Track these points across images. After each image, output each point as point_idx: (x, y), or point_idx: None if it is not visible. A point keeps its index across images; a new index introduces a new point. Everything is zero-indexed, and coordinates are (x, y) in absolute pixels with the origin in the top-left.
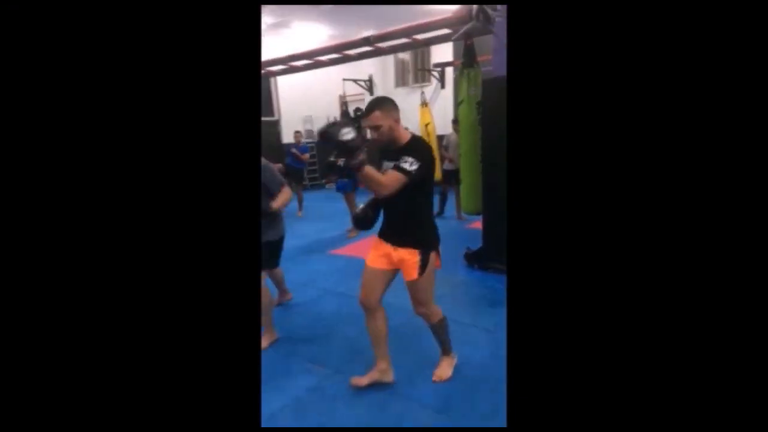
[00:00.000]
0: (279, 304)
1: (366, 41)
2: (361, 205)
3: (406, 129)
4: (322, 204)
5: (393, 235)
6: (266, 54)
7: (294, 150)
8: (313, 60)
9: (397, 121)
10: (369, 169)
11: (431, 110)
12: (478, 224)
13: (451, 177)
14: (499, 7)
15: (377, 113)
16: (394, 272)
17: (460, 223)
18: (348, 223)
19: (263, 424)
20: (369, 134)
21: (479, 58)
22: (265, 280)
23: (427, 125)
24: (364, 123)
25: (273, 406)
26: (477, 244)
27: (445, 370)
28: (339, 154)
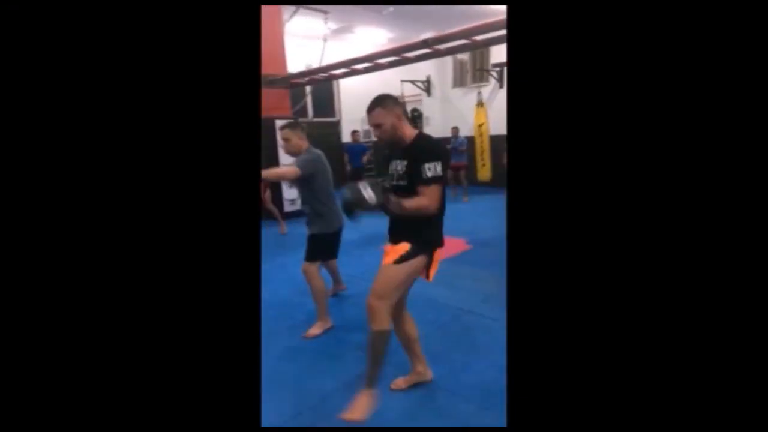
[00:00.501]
0: (333, 295)
1: (424, 44)
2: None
3: (414, 128)
4: None
5: (395, 233)
6: (329, 58)
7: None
8: (372, 63)
9: (400, 117)
10: (406, 204)
11: (488, 110)
12: None
13: None
14: None
15: (379, 110)
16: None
17: None
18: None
19: (315, 405)
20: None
21: None
22: (321, 271)
23: (480, 125)
24: (368, 121)
25: (325, 389)
26: None
27: (357, 408)
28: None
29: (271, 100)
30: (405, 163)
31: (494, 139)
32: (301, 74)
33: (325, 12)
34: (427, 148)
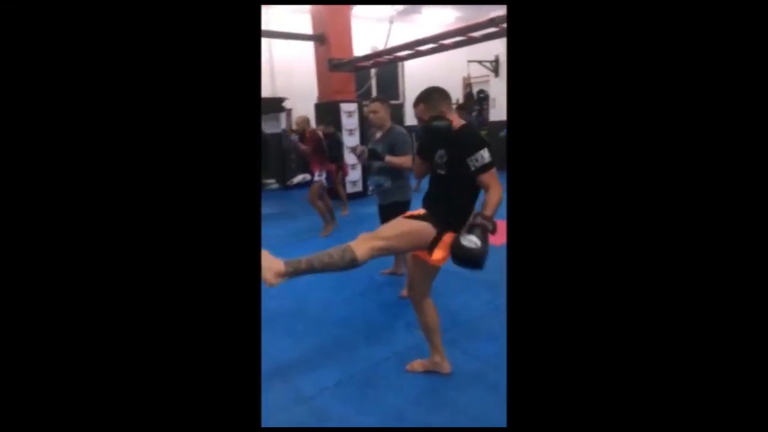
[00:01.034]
0: (392, 273)
1: (491, 23)
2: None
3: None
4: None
5: (426, 207)
6: (395, 39)
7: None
8: (437, 44)
9: (443, 113)
10: (489, 212)
11: None
12: None
13: None
14: None
15: (422, 107)
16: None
17: None
18: None
19: (365, 372)
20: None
21: None
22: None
23: None
24: (414, 114)
25: (377, 356)
26: None
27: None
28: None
29: (335, 84)
30: (446, 152)
31: None
32: (366, 57)
33: None
34: (469, 139)
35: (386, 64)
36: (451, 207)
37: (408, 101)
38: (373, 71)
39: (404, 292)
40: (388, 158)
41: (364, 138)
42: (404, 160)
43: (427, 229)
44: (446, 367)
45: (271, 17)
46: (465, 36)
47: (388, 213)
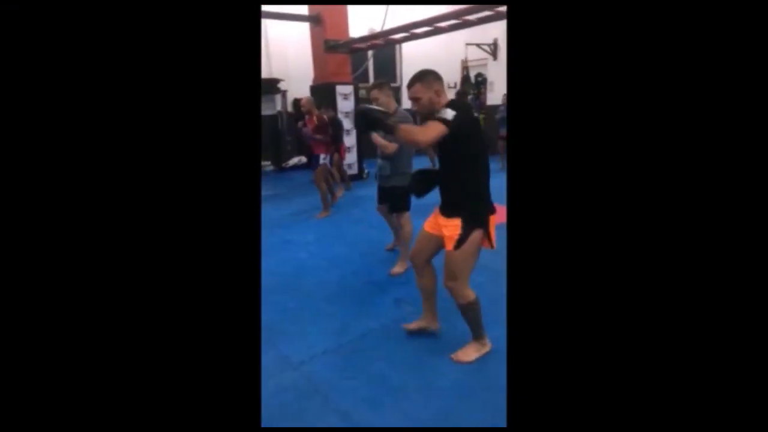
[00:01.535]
0: (391, 249)
1: (485, 6)
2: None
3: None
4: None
5: (443, 205)
6: (394, 21)
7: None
8: (433, 27)
9: (438, 92)
10: (403, 127)
11: None
12: None
13: None
14: None
15: (417, 86)
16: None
17: None
18: None
19: (352, 343)
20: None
21: None
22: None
23: None
24: (408, 95)
25: (365, 328)
26: None
27: (467, 352)
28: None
29: (331, 66)
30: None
31: None
32: (362, 39)
33: None
34: (453, 107)
35: (383, 47)
36: (471, 195)
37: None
38: (370, 53)
39: (394, 270)
40: (374, 136)
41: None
42: (386, 144)
43: (475, 237)
44: (435, 326)
45: None
46: (460, 19)
47: (386, 195)
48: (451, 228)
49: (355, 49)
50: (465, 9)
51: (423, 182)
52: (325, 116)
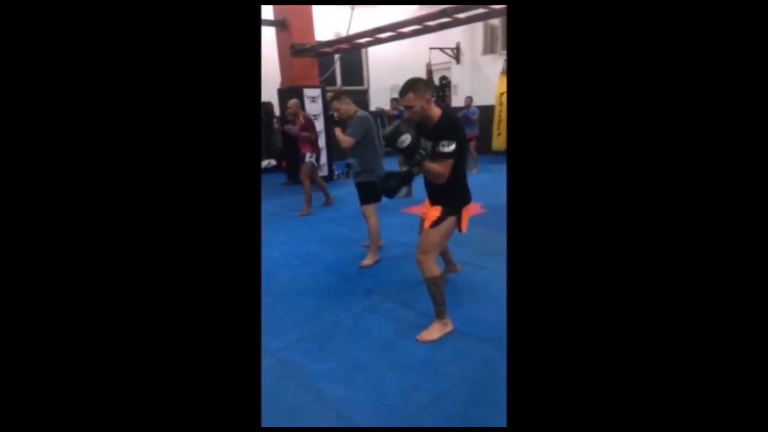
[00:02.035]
0: (368, 246)
1: (443, 13)
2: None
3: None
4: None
5: (430, 196)
6: (360, 25)
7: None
8: (396, 32)
9: (429, 101)
10: (427, 164)
11: None
12: None
13: None
14: None
15: (411, 95)
16: None
17: None
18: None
19: (324, 331)
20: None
21: None
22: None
23: (502, 94)
24: (400, 103)
25: (337, 317)
26: None
27: (430, 332)
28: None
29: (298, 69)
30: (430, 143)
31: None
32: (328, 43)
33: None
34: (446, 128)
35: (350, 50)
36: (450, 190)
37: (372, 87)
38: (336, 57)
39: (363, 262)
40: (337, 131)
41: (328, 123)
42: (344, 139)
43: (449, 221)
44: (457, 269)
45: None
46: (422, 25)
47: (360, 189)
48: (433, 211)
49: (322, 53)
50: (427, 15)
51: (392, 181)
52: (310, 116)
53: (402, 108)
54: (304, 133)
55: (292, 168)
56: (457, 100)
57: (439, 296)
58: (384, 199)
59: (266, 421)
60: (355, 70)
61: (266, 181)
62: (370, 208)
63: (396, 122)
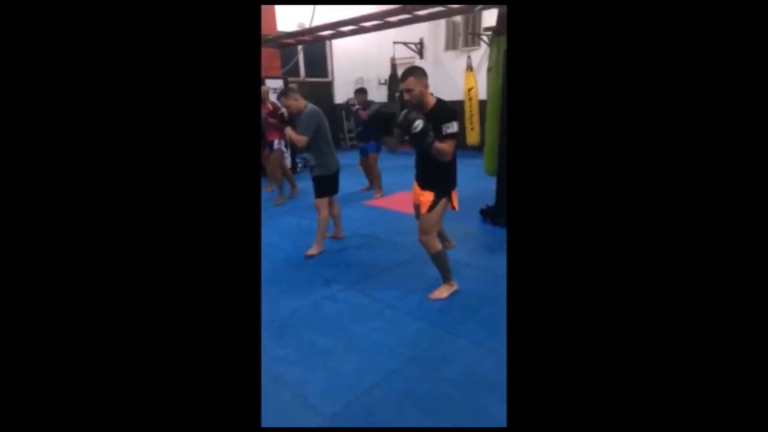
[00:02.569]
0: (332, 238)
1: (403, 9)
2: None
3: (431, 94)
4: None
5: (420, 178)
6: (324, 17)
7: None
8: (358, 26)
9: (426, 86)
10: (436, 144)
11: (478, 75)
12: None
13: None
14: None
15: (412, 79)
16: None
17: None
18: (364, 181)
19: (284, 318)
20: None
21: None
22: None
23: (470, 90)
24: (401, 86)
25: (296, 306)
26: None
27: (440, 291)
28: (409, 141)
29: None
30: (430, 124)
31: (483, 104)
32: (290, 34)
33: None
34: (446, 112)
35: (313, 42)
36: (441, 174)
37: (336, 80)
38: (299, 48)
39: (309, 252)
40: (289, 131)
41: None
42: (298, 138)
43: (442, 203)
44: (452, 244)
45: None
46: (382, 20)
47: (316, 183)
48: (426, 197)
49: (284, 44)
50: (388, 10)
51: (413, 114)
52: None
53: (369, 100)
54: (272, 119)
55: None
56: None
57: (443, 266)
58: (349, 193)
59: None
60: (319, 62)
61: None
62: (322, 202)
63: (404, 110)
